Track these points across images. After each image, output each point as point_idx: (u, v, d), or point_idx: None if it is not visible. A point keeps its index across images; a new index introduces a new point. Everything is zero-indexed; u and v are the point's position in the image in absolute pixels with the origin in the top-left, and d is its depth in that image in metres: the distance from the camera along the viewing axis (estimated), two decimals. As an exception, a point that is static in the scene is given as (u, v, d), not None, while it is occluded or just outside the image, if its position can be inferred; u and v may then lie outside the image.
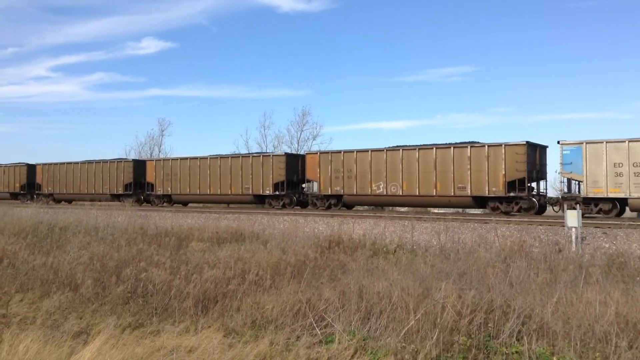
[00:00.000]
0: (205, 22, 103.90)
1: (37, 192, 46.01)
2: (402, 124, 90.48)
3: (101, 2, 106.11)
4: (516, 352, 6.73)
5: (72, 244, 15.45)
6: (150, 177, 38.87)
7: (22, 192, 47.03)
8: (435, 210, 30.95)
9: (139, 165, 40.67)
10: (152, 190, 38.78)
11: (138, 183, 40.02)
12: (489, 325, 7.43)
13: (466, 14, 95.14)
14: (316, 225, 21.64)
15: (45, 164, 46.19)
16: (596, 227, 17.67)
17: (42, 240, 16.74)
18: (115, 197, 40.79)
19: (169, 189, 37.53)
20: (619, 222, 18.79)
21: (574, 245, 15.09)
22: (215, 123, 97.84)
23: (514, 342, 6.97)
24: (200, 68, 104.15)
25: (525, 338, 6.91)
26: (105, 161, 42.19)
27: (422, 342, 7.02)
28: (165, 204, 37.78)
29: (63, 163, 45.10)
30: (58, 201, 44.90)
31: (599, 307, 7.53)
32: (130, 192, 40.02)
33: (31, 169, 47.17)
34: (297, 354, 7.16)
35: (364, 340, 7.41)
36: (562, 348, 6.67)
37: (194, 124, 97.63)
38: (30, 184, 46.85)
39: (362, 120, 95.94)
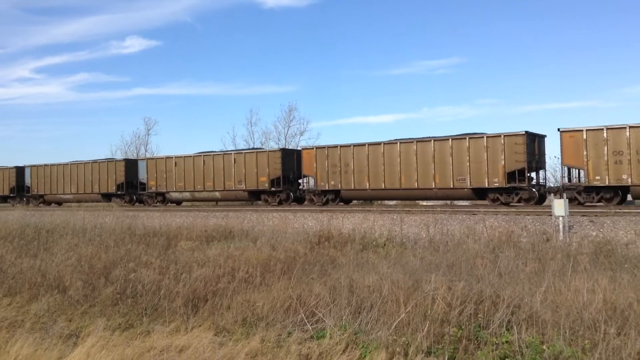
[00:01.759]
0: (190, 19, 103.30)
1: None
2: (390, 118, 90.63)
3: (84, 2, 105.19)
4: (506, 341, 6.75)
5: (59, 246, 15.33)
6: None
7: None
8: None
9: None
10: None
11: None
12: (479, 315, 7.46)
13: (452, 6, 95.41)
14: (305, 221, 21.64)
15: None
16: (583, 215, 17.81)
17: (29, 243, 16.60)
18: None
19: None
20: (605, 210, 18.95)
21: (561, 234, 15.21)
22: (202, 121, 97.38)
23: (504, 332, 7.00)
24: (186, 66, 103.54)
25: (515, 327, 6.94)
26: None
27: (413, 335, 7.03)
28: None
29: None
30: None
31: (587, 294, 7.59)
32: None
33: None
34: (288, 350, 7.16)
35: (355, 334, 7.41)
36: (551, 336, 6.72)
37: (180, 122, 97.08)
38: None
39: (349, 115, 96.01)
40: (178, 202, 38.10)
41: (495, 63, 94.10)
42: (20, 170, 45.93)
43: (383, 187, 28.07)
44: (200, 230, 18.93)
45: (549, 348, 6.41)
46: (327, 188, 30.02)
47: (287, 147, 32.96)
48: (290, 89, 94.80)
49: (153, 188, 37.81)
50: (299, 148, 32.94)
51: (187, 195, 36.53)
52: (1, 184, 46.60)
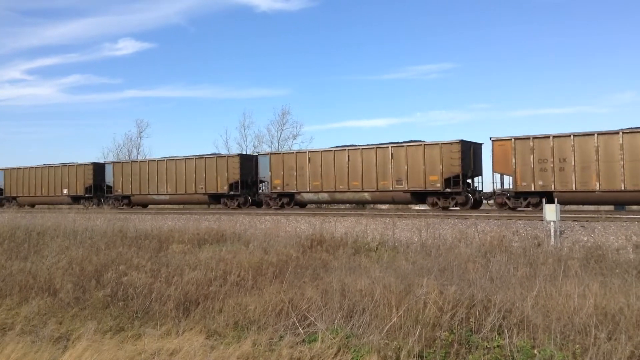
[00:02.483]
0: (183, 22, 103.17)
1: None
2: (383, 122, 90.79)
3: (76, 4, 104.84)
4: (497, 346, 6.78)
5: (50, 248, 15.24)
6: None
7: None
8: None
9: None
10: None
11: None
12: (471, 320, 7.48)
13: (445, 11, 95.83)
14: (298, 224, 21.63)
15: None
16: (574, 220, 17.90)
17: (20, 246, 16.49)
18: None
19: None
20: (596, 215, 19.05)
21: (552, 239, 15.28)
22: (194, 124, 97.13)
23: (495, 337, 7.02)
24: (179, 68, 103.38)
25: (506, 332, 6.96)
26: None
27: (404, 339, 7.04)
28: None
29: None
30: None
31: (578, 299, 7.62)
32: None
33: None
34: (279, 354, 7.14)
35: (346, 338, 7.41)
36: (542, 341, 6.74)
37: (173, 125, 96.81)
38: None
39: (342, 119, 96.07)
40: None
41: (487, 68, 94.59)
42: (98, 167, 40.53)
43: (622, 188, 21.91)
44: (192, 234, 18.87)
45: (540, 352, 6.44)
46: (532, 189, 24.08)
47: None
48: (283, 93, 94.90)
49: (278, 188, 32.04)
50: (480, 141, 27.28)
51: (324, 196, 30.13)
52: (74, 183, 40.72)
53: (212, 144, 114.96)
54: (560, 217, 16.28)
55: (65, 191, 41.45)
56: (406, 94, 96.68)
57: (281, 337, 7.77)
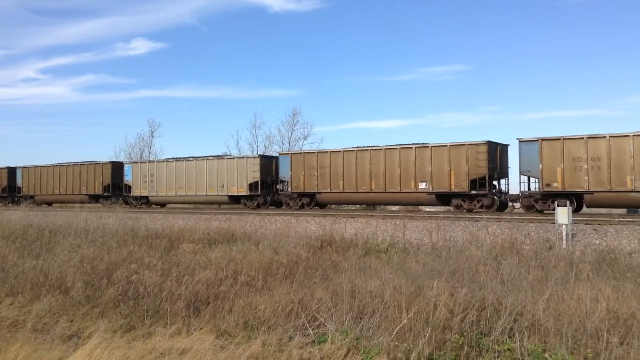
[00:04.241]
0: (196, 22, 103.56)
1: None
2: (394, 123, 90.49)
3: (90, 4, 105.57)
4: (508, 349, 6.74)
5: (62, 246, 15.36)
6: None
7: None
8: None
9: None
10: None
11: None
12: (481, 322, 7.44)
13: (457, 13, 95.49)
14: (308, 225, 21.60)
15: None
16: (586, 223, 17.74)
17: (32, 243, 16.63)
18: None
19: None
20: (608, 219, 18.88)
21: (564, 242, 15.16)
22: (206, 124, 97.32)
23: (506, 340, 6.99)
24: (191, 69, 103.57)
25: (517, 335, 6.93)
26: None
27: (414, 341, 7.02)
28: None
29: None
30: None
31: (590, 303, 7.56)
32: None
33: None
34: (289, 354, 7.15)
35: (356, 339, 7.40)
36: (553, 345, 6.70)
37: (184, 125, 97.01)
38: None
39: (353, 120, 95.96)
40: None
41: (499, 70, 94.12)
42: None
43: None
44: (202, 233, 18.90)
45: (551, 356, 6.40)
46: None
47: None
48: (294, 93, 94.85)
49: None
50: None
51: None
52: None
53: (224, 144, 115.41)
54: (572, 220, 16.16)
55: None
56: (417, 96, 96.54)
57: (291, 337, 7.77)
